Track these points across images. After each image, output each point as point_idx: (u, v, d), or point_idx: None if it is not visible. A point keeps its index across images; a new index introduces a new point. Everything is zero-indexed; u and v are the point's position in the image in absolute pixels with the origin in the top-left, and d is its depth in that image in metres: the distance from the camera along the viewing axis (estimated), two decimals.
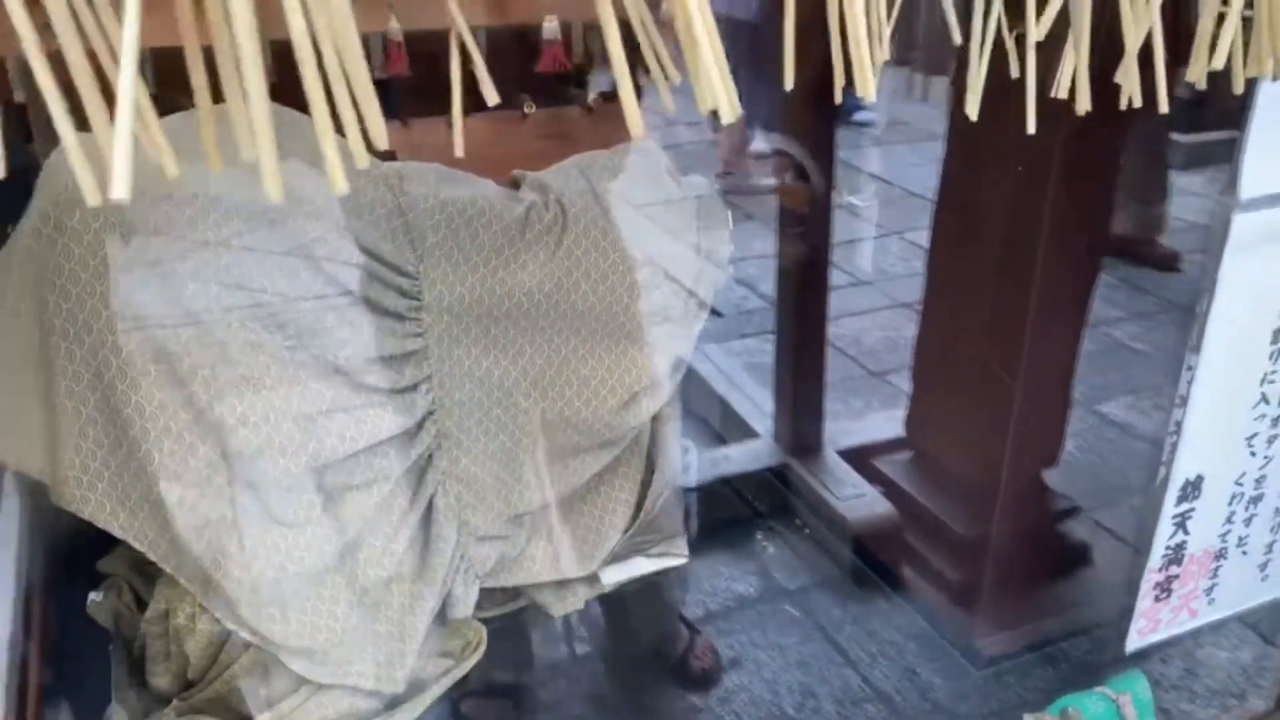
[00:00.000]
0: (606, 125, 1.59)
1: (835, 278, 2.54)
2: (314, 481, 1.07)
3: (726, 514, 2.18)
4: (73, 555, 1.31)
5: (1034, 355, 1.54)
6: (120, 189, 0.40)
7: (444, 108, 1.62)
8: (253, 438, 1.02)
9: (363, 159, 0.52)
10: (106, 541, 1.22)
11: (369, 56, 1.54)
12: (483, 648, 1.32)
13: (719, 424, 2.46)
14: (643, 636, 1.74)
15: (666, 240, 1.27)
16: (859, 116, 4.26)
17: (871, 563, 1.84)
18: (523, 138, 1.57)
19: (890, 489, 1.86)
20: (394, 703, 1.20)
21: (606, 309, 1.21)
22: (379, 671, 1.12)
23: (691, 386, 2.60)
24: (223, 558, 1.04)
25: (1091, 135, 1.21)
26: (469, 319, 1.13)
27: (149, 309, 0.99)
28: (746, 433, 2.30)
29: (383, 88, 1.67)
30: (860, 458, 1.96)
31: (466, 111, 1.71)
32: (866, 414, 2.47)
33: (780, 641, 1.92)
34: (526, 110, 1.23)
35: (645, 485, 1.34)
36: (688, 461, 1.98)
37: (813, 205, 1.89)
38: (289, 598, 1.10)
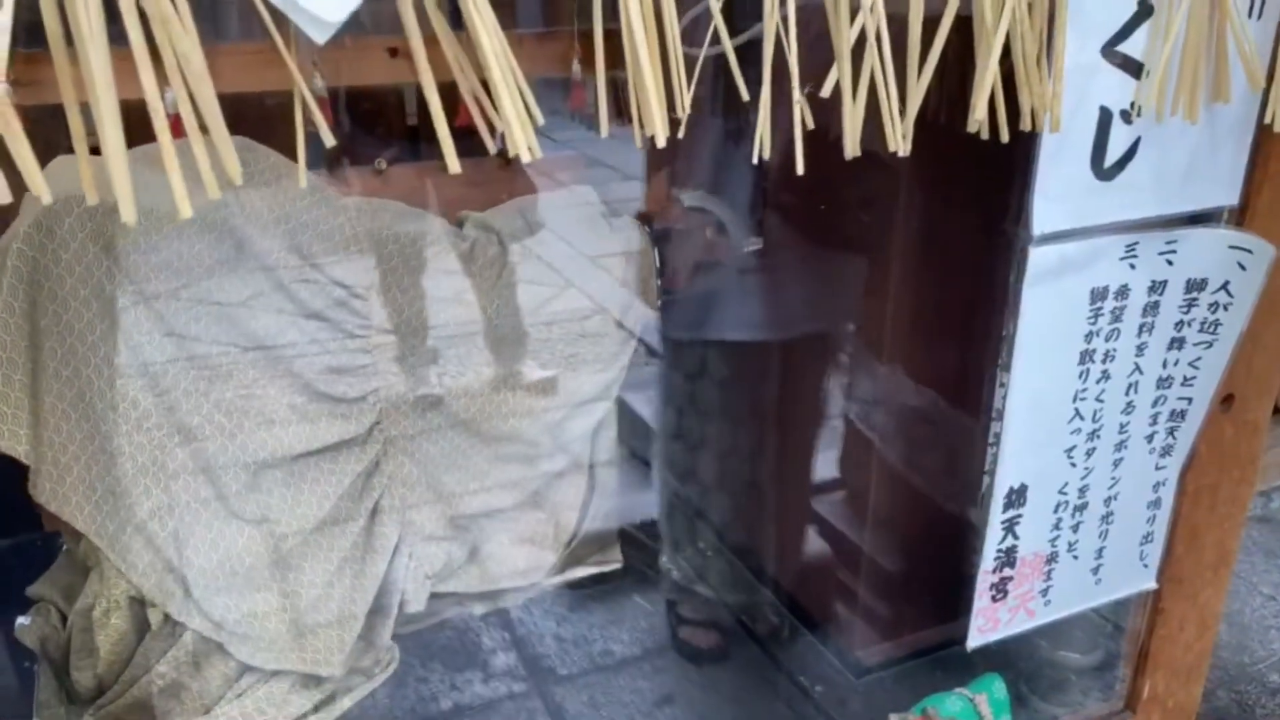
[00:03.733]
0: (523, 175, 1.73)
1: None
2: (270, 481, 1.20)
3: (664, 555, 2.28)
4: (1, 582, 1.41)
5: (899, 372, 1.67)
6: (127, 213, 0.54)
7: (369, 158, 1.77)
8: (218, 437, 1.15)
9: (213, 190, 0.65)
10: (36, 568, 1.33)
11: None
12: (394, 665, 1.42)
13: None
14: None
15: (597, 274, 1.42)
16: None
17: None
18: (446, 185, 1.70)
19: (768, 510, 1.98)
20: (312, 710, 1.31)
21: (541, 335, 1.35)
22: (318, 657, 1.23)
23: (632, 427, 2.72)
24: (183, 547, 1.16)
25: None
26: (414, 339, 1.27)
27: (127, 316, 1.12)
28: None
29: (312, 140, 1.81)
30: None
31: (394, 160, 1.86)
32: None
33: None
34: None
35: (586, 500, 1.47)
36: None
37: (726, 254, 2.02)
38: (241, 587, 1.21)
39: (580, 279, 1.40)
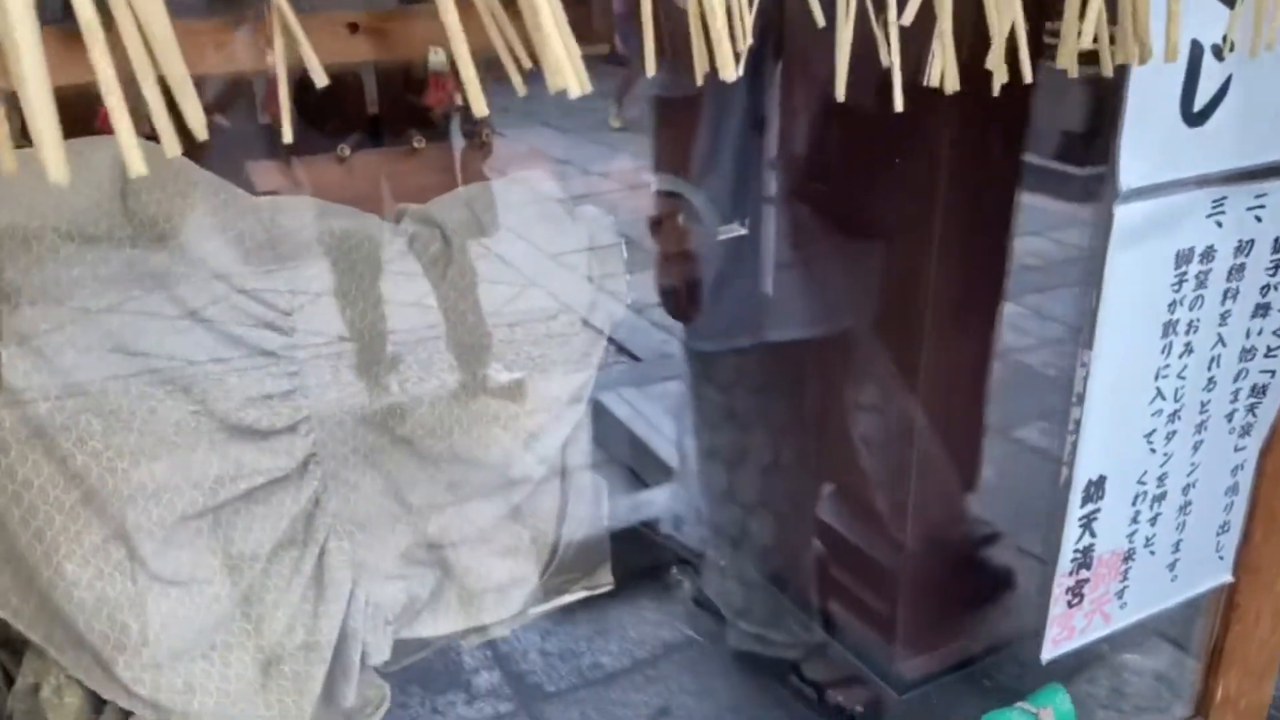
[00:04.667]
0: (497, 160, 1.57)
1: None
2: (190, 534, 1.01)
3: (647, 558, 2.15)
4: None
5: (934, 379, 1.55)
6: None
7: (329, 145, 1.55)
8: (122, 488, 0.96)
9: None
10: None
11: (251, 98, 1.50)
12: (386, 705, 1.25)
13: (639, 468, 2.43)
14: None
15: (557, 270, 1.24)
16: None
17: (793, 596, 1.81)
18: (412, 173, 1.54)
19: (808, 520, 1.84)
20: None
21: (499, 338, 1.17)
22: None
23: (610, 430, 2.57)
24: (93, 620, 0.97)
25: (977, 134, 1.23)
26: (349, 355, 1.07)
27: (29, 381, 0.92)
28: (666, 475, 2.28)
29: (267, 129, 1.62)
30: None
31: (357, 147, 1.64)
32: None
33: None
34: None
35: (562, 514, 1.30)
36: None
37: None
38: (185, 661, 1.03)
39: (537, 275, 1.23)
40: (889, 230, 1.51)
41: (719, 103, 1.60)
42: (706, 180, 1.66)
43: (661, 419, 2.52)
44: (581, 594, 1.38)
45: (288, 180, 1.48)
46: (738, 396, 1.73)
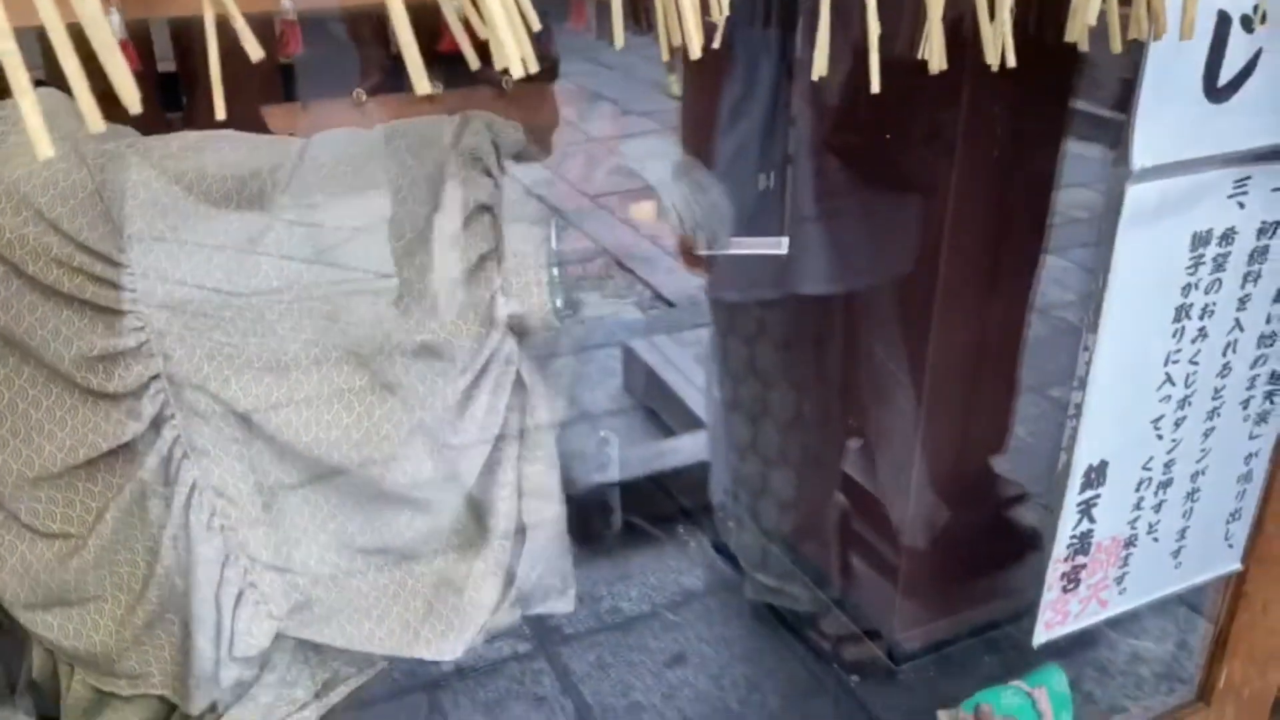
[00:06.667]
0: (520, 109, 1.54)
1: None
2: (54, 492, 0.99)
3: (669, 506, 2.15)
4: None
5: (962, 337, 1.51)
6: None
7: (344, 89, 1.51)
8: None
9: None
10: None
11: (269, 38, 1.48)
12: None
13: (666, 415, 2.42)
14: None
15: (456, 235, 1.02)
16: None
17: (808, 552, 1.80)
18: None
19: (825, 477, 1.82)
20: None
21: (378, 315, 0.99)
22: (174, 685, 1.04)
23: (639, 376, 2.56)
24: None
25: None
26: (194, 316, 0.96)
27: None
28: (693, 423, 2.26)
29: (284, 71, 1.60)
30: None
31: (376, 93, 1.58)
32: None
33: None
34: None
35: (516, 552, 1.12)
36: (607, 454, 1.93)
37: None
38: (63, 605, 1.02)
39: (433, 236, 1.00)
40: (918, 183, 1.46)
41: (748, 52, 1.55)
42: (733, 131, 1.62)
43: (690, 366, 2.50)
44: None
45: (301, 124, 1.47)
46: (761, 349, 1.71)
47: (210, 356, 0.96)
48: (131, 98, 0.47)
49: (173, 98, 1.73)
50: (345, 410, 1.00)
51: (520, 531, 1.09)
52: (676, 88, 1.65)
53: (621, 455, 2.08)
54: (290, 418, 0.98)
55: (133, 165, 0.93)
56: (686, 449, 2.19)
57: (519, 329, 1.03)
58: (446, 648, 1.08)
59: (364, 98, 1.40)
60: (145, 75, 1.27)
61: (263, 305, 0.96)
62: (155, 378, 0.95)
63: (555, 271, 1.01)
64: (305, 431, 0.99)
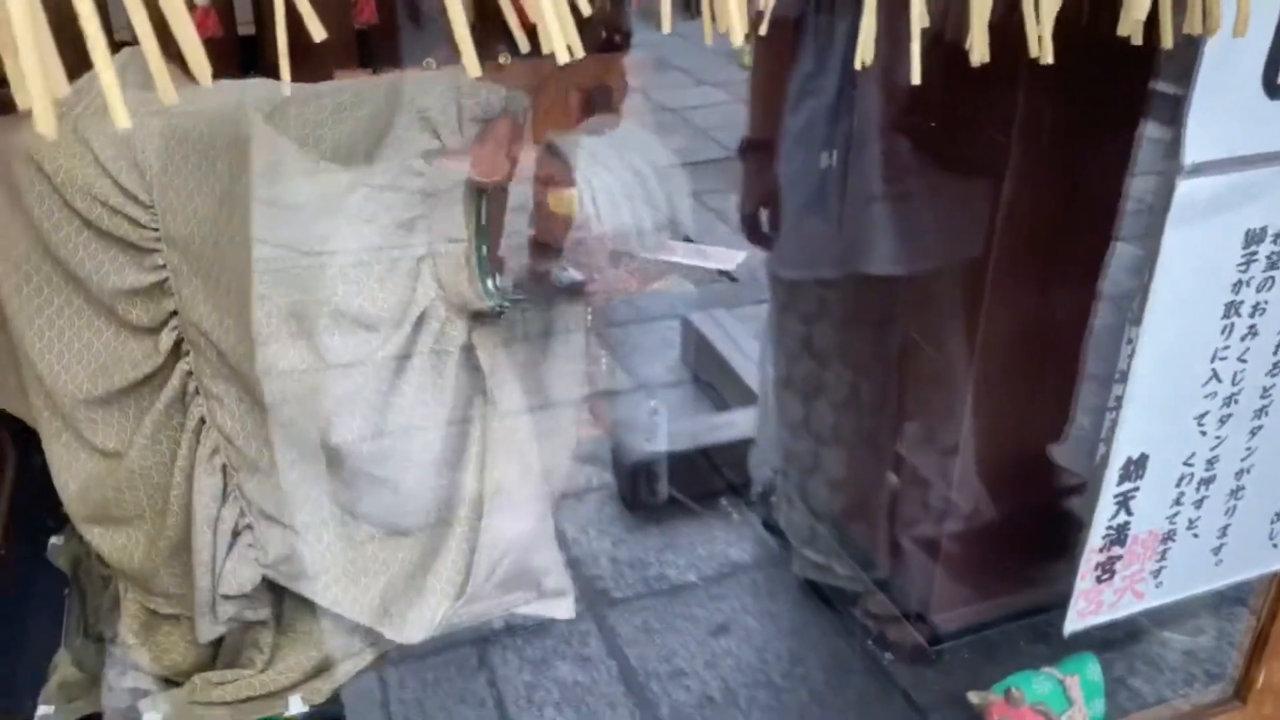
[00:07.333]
0: (588, 77, 1.56)
1: None
2: (102, 412, 1.06)
3: (720, 480, 2.16)
4: (39, 498, 1.32)
5: (1024, 326, 1.50)
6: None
7: (416, 58, 1.52)
8: (56, 370, 1.03)
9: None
10: None
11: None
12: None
13: (723, 389, 2.44)
14: None
15: (380, 189, 1.01)
16: None
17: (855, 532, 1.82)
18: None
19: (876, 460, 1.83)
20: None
21: (304, 274, 1.00)
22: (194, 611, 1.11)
23: (697, 350, 2.58)
24: (60, 475, 1.07)
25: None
26: (203, 259, 1.00)
27: None
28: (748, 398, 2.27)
29: (360, 37, 1.64)
30: None
31: (450, 63, 1.61)
32: None
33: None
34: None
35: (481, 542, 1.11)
36: (656, 424, 1.96)
37: None
38: (112, 521, 1.10)
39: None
40: (984, 166, 1.45)
41: (818, 31, 1.56)
42: (799, 110, 1.62)
43: (749, 342, 2.51)
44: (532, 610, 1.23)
45: None
46: (819, 328, 1.72)
47: (205, 300, 1.02)
48: (202, 68, 0.50)
49: (251, 61, 1.79)
50: (288, 377, 1.01)
51: (484, 520, 1.09)
52: (749, 58, 1.64)
53: (674, 427, 2.11)
54: (260, 375, 1.01)
55: (168, 110, 0.98)
56: (739, 424, 2.21)
57: (457, 304, 1.03)
58: (407, 631, 1.09)
59: (434, 66, 1.43)
60: (225, 40, 1.32)
61: (222, 257, 0.99)
62: (174, 313, 1.02)
63: (485, 249, 1.00)
64: (270, 393, 1.02)
